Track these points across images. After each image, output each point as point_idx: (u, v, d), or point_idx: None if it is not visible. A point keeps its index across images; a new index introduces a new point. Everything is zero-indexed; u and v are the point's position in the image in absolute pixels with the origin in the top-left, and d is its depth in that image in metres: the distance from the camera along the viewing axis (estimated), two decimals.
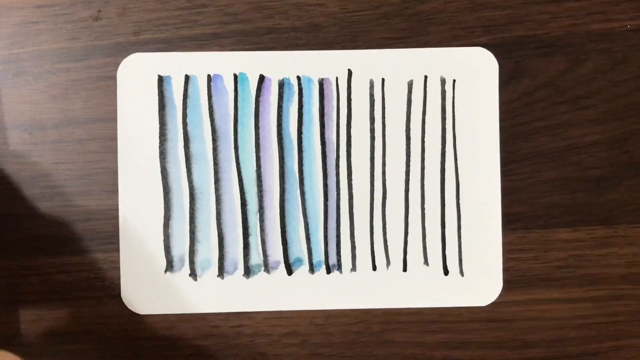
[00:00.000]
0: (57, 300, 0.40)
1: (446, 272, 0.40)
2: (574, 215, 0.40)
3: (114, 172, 0.39)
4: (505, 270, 0.40)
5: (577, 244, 0.40)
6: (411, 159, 0.40)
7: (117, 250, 0.40)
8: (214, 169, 0.40)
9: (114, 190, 0.39)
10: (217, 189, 0.40)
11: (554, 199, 0.40)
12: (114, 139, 0.39)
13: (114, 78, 0.39)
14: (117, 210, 0.39)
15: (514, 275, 0.40)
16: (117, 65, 0.39)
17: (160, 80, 0.39)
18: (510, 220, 0.40)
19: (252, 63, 0.39)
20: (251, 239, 0.40)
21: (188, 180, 0.40)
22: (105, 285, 0.40)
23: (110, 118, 0.39)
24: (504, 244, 0.40)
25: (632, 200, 0.40)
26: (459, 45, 0.39)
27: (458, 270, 0.40)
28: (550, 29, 0.39)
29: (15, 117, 0.39)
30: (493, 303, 0.40)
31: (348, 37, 0.39)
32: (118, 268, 0.40)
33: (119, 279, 0.40)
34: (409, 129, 0.40)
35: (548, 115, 0.40)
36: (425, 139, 0.40)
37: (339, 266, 0.40)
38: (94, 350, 0.40)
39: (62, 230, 0.40)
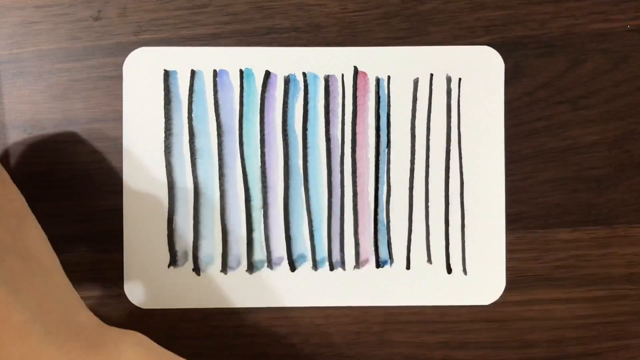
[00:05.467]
0: None
1: (449, 271, 0.40)
2: (574, 215, 0.40)
3: (114, 172, 0.39)
4: (505, 270, 0.40)
5: (577, 244, 0.40)
6: (416, 156, 0.40)
7: (118, 250, 0.39)
8: (219, 164, 0.39)
9: (114, 190, 0.39)
10: (221, 185, 0.39)
11: (554, 199, 0.40)
12: (114, 138, 0.39)
13: (115, 78, 0.39)
14: (117, 210, 0.39)
15: (514, 275, 0.40)
16: (117, 65, 0.39)
17: (166, 74, 0.39)
18: (510, 220, 0.40)
19: (258, 59, 0.39)
20: (255, 235, 0.40)
21: (192, 175, 0.39)
22: (106, 285, 0.40)
23: (110, 118, 0.39)
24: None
25: (632, 200, 0.40)
26: (460, 45, 0.40)
27: (461, 268, 0.40)
28: (550, 29, 0.40)
29: (15, 117, 0.39)
30: (493, 303, 0.40)
31: (348, 37, 0.40)
32: (118, 268, 0.39)
33: (119, 278, 0.39)
34: (414, 127, 0.40)
35: (548, 115, 0.40)
36: (430, 137, 0.40)
37: (342, 263, 0.40)
38: None
39: (62, 230, 0.39)
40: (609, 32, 0.40)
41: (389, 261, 0.40)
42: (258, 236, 0.40)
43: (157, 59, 0.39)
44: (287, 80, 0.40)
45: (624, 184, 0.40)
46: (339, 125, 0.40)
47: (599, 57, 0.40)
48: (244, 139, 0.40)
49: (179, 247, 0.39)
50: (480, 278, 0.40)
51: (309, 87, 0.40)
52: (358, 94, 0.40)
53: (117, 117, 0.39)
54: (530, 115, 0.40)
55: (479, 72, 0.40)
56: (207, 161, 0.39)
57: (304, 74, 0.40)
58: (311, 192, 0.40)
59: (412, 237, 0.40)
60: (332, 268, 0.40)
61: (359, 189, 0.40)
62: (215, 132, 0.40)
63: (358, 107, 0.40)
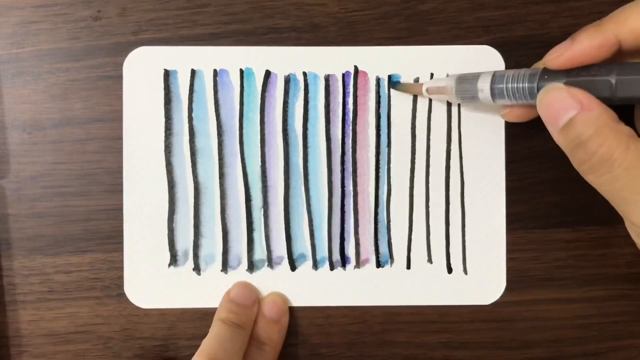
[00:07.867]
0: (57, 300, 0.40)
1: (450, 271, 0.40)
2: (574, 215, 0.40)
3: (114, 172, 0.39)
4: (506, 270, 0.40)
5: (577, 244, 0.40)
6: (416, 156, 0.40)
7: (117, 250, 0.39)
8: (219, 163, 0.39)
9: (113, 190, 0.39)
10: (221, 184, 0.39)
11: (553, 199, 0.40)
12: (114, 138, 0.39)
13: (114, 78, 0.39)
14: (117, 210, 0.39)
15: (514, 276, 0.40)
16: (117, 65, 0.39)
17: (167, 74, 0.39)
18: (510, 220, 0.40)
19: (258, 58, 0.39)
20: (255, 234, 0.40)
21: (193, 174, 0.39)
22: (105, 285, 0.40)
23: (110, 118, 0.39)
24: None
25: None
26: (460, 45, 0.40)
27: (462, 268, 0.40)
28: (550, 29, 0.40)
29: (15, 117, 0.39)
30: (493, 303, 0.40)
31: (348, 37, 0.40)
32: (118, 268, 0.39)
33: (118, 278, 0.39)
34: (415, 127, 0.40)
35: None
36: (431, 137, 0.40)
37: (342, 263, 0.40)
38: (94, 350, 0.40)
39: (62, 230, 0.39)
40: None
41: (389, 261, 0.40)
42: (258, 236, 0.40)
43: (157, 59, 0.39)
44: (288, 80, 0.40)
45: None
46: (339, 125, 0.40)
47: None
48: (244, 139, 0.40)
49: (179, 247, 0.39)
50: (480, 278, 0.40)
51: (309, 87, 0.40)
52: (358, 93, 0.40)
53: (117, 117, 0.39)
54: None
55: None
56: (208, 161, 0.39)
57: (304, 74, 0.40)
58: (311, 192, 0.40)
59: (413, 236, 0.40)
60: (332, 268, 0.40)
61: (359, 188, 0.40)
62: (216, 132, 0.39)
63: (358, 107, 0.40)
